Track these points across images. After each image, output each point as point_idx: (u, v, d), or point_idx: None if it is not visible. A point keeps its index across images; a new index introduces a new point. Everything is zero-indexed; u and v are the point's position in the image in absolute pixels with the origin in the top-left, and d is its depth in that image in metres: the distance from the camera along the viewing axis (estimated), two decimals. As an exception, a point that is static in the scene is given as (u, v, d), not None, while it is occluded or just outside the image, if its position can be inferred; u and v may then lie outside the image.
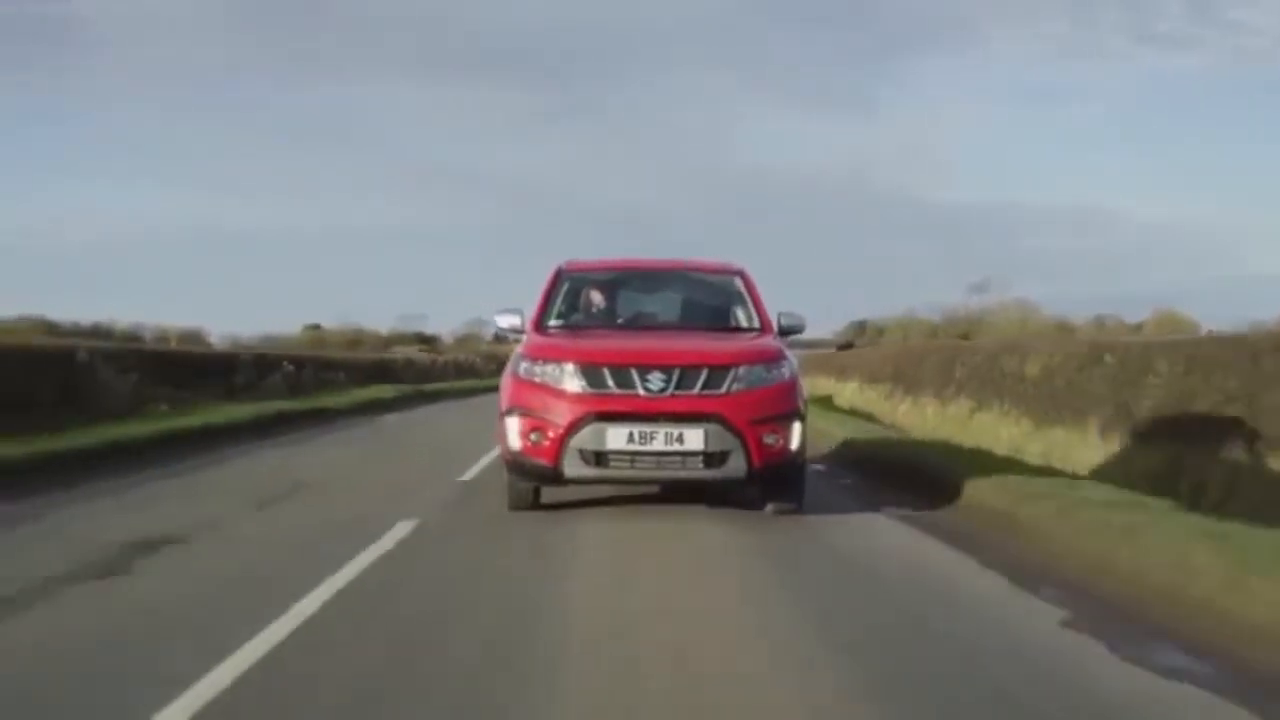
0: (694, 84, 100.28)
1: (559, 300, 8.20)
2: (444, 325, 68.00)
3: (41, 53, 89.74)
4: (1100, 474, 9.60)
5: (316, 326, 60.24)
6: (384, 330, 63.45)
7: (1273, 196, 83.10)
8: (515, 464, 6.98)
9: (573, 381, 6.75)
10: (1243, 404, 8.34)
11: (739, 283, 8.39)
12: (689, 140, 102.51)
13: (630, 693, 3.55)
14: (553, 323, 8.01)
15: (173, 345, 23.35)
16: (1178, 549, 5.15)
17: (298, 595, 4.70)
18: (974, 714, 3.44)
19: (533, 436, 6.76)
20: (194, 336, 40.62)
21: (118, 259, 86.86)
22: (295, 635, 4.16)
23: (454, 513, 7.36)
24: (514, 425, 6.86)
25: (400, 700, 3.43)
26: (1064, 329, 33.75)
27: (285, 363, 23.50)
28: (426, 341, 63.38)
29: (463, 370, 39.95)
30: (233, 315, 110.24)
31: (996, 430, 13.65)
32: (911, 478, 8.80)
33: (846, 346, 40.84)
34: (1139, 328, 37.57)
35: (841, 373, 27.68)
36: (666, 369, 6.68)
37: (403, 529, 6.46)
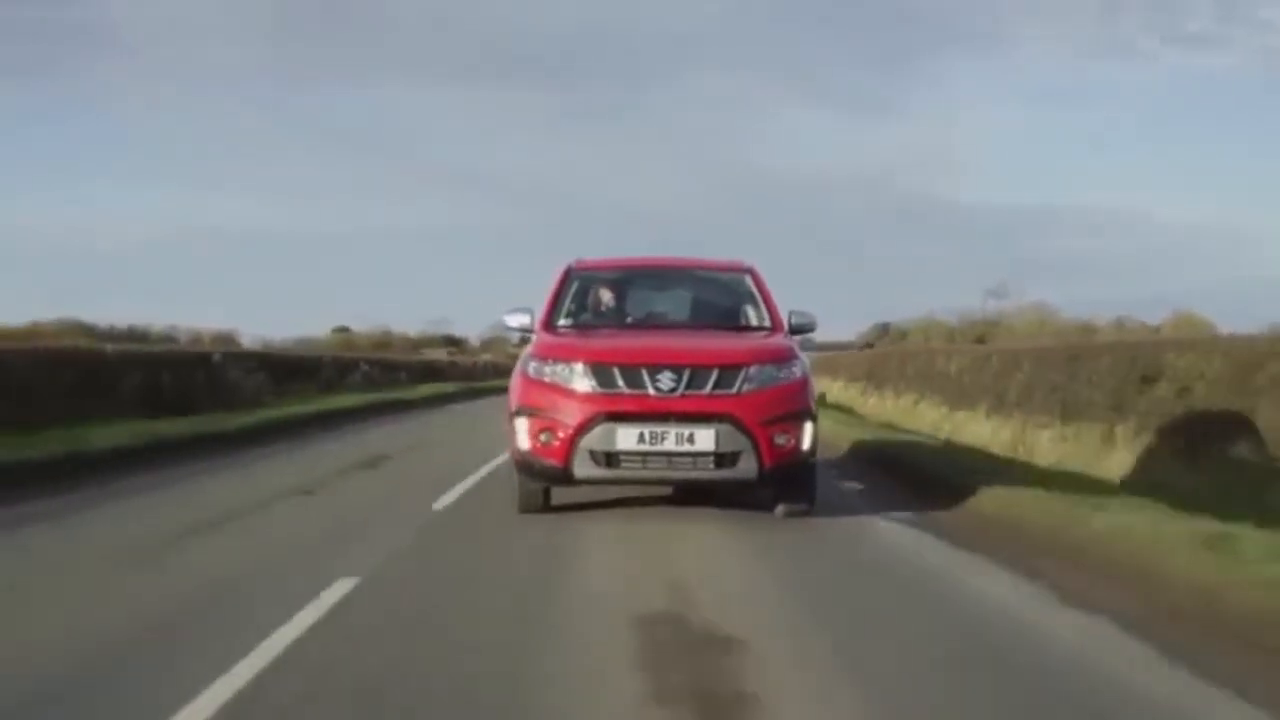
0: (716, 86, 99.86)
1: (568, 299, 8.10)
2: (470, 328, 68.60)
3: (70, 56, 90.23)
4: (976, 438, 14.45)
5: (345, 329, 60.62)
6: (412, 333, 63.98)
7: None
8: (525, 464, 6.90)
9: (583, 381, 6.66)
10: (1062, 390, 13.15)
11: (749, 281, 8.30)
12: (712, 142, 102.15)
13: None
14: (562, 322, 7.91)
15: (208, 347, 25.67)
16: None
17: (466, 476, 9.12)
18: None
19: (542, 437, 6.67)
20: (227, 339, 40.58)
21: (135, 261, 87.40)
22: (471, 490, 8.38)
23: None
24: (523, 425, 6.77)
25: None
26: (1086, 330, 33.53)
27: (362, 364, 28.73)
28: (454, 344, 63.90)
29: (499, 371, 42.43)
30: (259, 317, 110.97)
31: (926, 414, 18.47)
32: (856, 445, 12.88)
33: (867, 348, 40.71)
34: (1157, 330, 37.33)
35: (833, 373, 29.75)
36: (677, 368, 6.59)
37: (498, 460, 9.53)
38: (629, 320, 8.18)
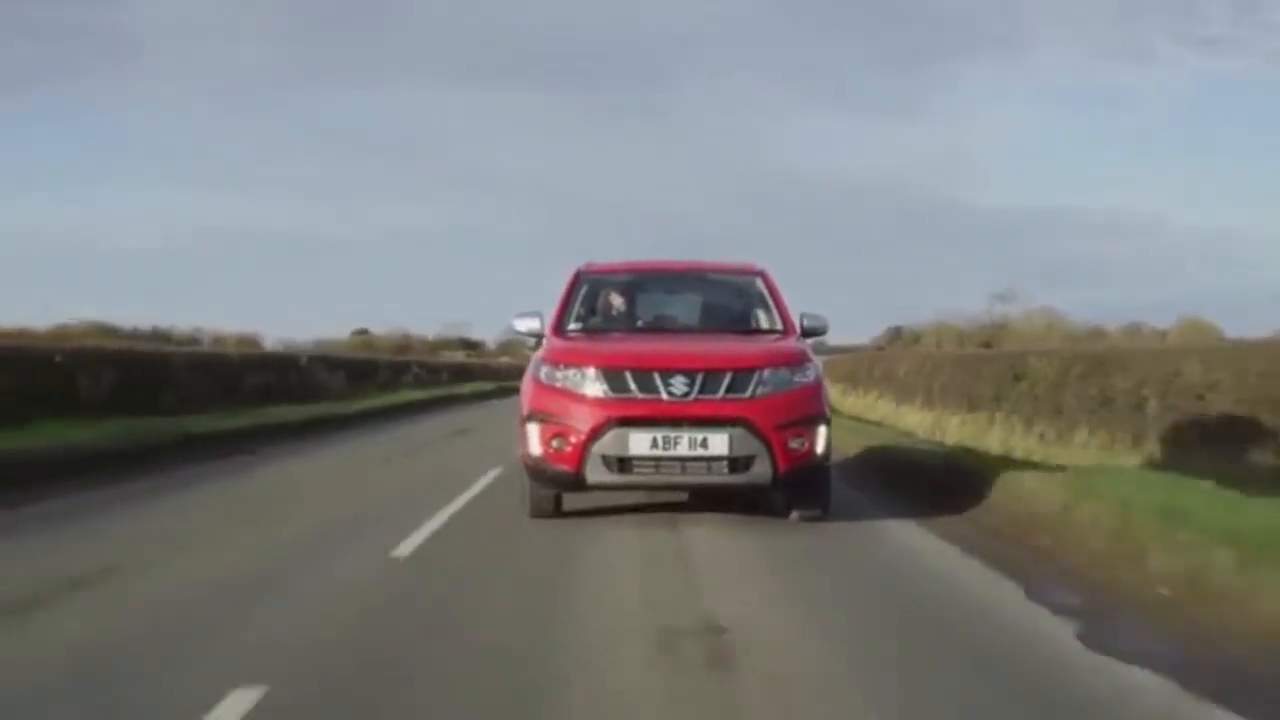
0: (731, 87, 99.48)
1: (578, 303, 8.02)
2: (487, 331, 68.76)
3: (91, 58, 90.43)
4: (907, 423, 18.50)
5: (364, 332, 60.73)
6: (430, 336, 64.27)
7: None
8: (536, 470, 6.82)
9: (594, 386, 6.59)
10: (967, 387, 17.16)
11: (760, 283, 8.21)
12: (727, 143, 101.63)
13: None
14: (572, 326, 7.82)
15: (232, 348, 27.36)
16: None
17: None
18: None
19: (554, 442, 6.60)
20: (250, 341, 40.70)
21: (142, 264, 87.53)
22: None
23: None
24: (535, 431, 6.70)
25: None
26: (1095, 335, 33.43)
27: (413, 366, 35.03)
28: (471, 347, 64.24)
29: (522, 373, 45.15)
30: (275, 320, 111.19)
31: (880, 408, 22.79)
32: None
33: (879, 352, 40.78)
34: (1164, 335, 37.28)
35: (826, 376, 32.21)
36: (690, 373, 6.51)
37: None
38: (639, 324, 8.10)
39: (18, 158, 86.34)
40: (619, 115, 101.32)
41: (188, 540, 6.57)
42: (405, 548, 6.08)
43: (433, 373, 36.26)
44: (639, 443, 6.43)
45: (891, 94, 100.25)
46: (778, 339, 7.57)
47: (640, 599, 4.95)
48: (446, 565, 5.75)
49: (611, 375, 6.58)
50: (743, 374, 6.56)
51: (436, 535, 6.60)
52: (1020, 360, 15.78)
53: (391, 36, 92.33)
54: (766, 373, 6.63)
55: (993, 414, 15.25)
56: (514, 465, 7.62)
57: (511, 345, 60.40)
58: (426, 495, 8.21)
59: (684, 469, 6.47)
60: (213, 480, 9.76)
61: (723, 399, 6.49)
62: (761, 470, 6.49)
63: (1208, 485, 6.49)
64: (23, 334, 22.48)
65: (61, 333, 29.62)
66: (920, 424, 17.47)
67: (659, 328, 8.10)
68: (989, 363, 17.12)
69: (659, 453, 6.42)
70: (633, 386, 6.52)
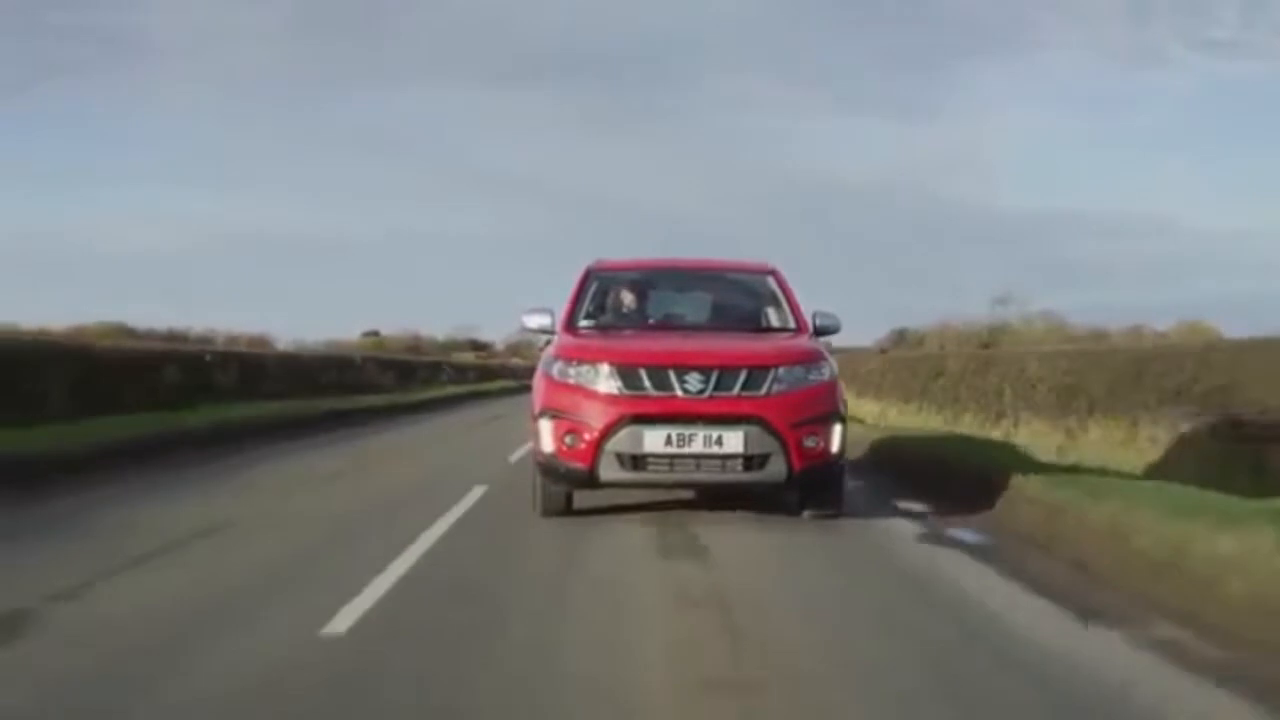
0: (744, 89, 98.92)
1: (588, 300, 7.99)
2: (496, 332, 68.70)
3: (106, 60, 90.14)
4: (865, 413, 20.72)
5: (375, 333, 60.64)
6: (440, 336, 64.16)
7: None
8: (549, 467, 6.75)
9: (608, 383, 6.54)
10: (905, 382, 21.24)
11: (772, 282, 8.17)
12: (740, 146, 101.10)
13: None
14: (583, 323, 7.79)
15: (245, 349, 27.77)
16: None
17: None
18: None
19: (567, 439, 6.55)
20: (262, 342, 40.81)
21: (151, 266, 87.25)
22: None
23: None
24: (548, 427, 6.64)
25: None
26: (1097, 337, 33.45)
27: (446, 365, 39.73)
28: (481, 348, 64.35)
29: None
30: (284, 321, 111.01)
31: (864, 407, 23.54)
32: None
33: (882, 354, 40.80)
34: (1164, 337, 37.30)
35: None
36: (705, 370, 6.47)
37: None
38: (650, 321, 8.06)
39: (16, 158, 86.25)
40: (628, 117, 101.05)
41: (396, 453, 12.77)
42: (513, 458, 10.53)
43: (460, 371, 41.07)
44: (653, 440, 6.38)
45: (900, 96, 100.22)
46: (791, 337, 7.53)
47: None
48: (526, 467, 7.79)
49: (626, 372, 6.53)
50: (758, 371, 6.53)
51: (521, 460, 9.72)
52: (940, 361, 20.62)
53: (399, 39, 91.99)
54: (782, 370, 6.60)
55: (921, 404, 19.58)
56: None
57: (521, 346, 60.44)
58: (501, 446, 11.91)
59: (698, 466, 6.43)
60: (364, 437, 14.69)
61: (738, 396, 6.45)
62: (776, 468, 6.45)
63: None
64: (42, 333, 22.48)
65: (77, 333, 29.73)
66: (870, 412, 21.17)
67: (670, 325, 8.06)
68: (921, 363, 21.83)
69: (673, 450, 6.38)
70: (647, 383, 6.48)
